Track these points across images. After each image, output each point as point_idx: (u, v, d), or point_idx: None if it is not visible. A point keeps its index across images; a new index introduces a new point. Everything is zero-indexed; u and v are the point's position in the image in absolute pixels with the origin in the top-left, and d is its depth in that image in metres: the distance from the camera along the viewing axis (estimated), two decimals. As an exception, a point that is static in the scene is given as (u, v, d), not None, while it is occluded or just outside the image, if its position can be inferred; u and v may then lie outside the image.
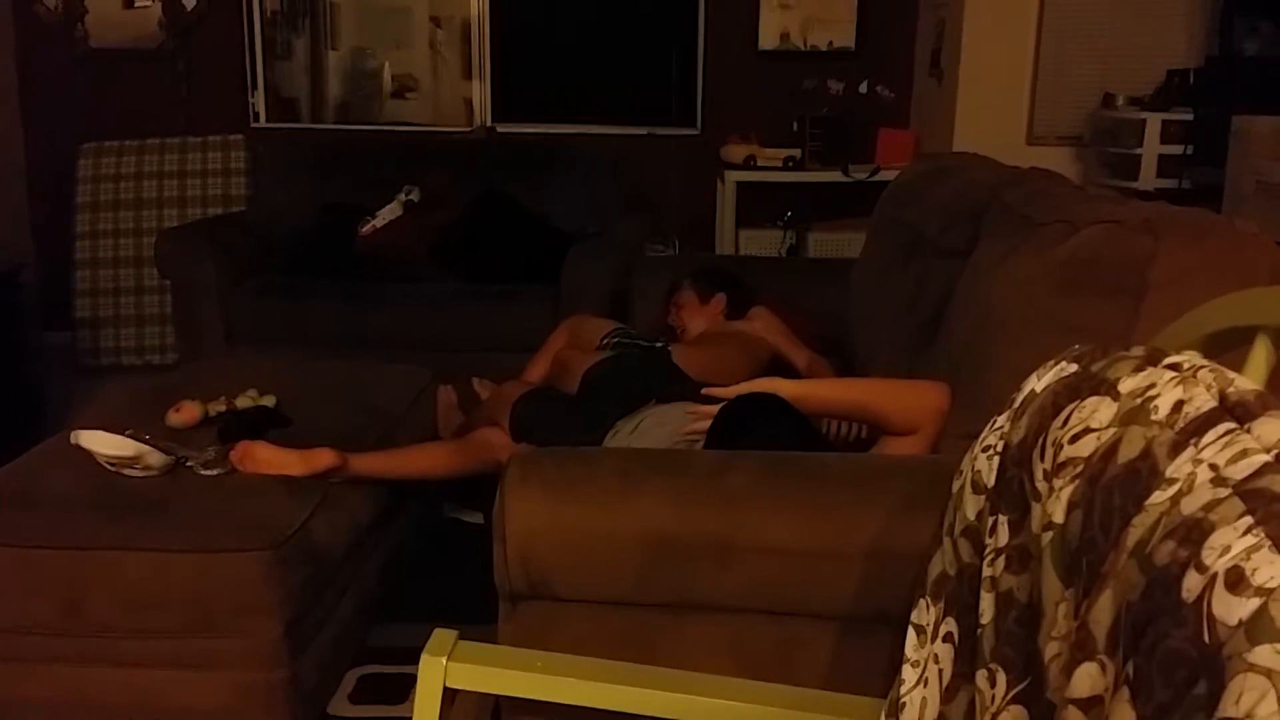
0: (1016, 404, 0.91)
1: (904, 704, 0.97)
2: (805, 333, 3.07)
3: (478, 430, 2.68)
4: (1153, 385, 0.78)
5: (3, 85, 4.85)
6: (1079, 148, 4.41)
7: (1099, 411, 0.80)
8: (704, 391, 2.09)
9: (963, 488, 0.95)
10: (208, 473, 2.11)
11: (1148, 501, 0.70)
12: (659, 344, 2.93)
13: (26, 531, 1.92)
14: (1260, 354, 0.98)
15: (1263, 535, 0.61)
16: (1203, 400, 0.73)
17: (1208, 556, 0.63)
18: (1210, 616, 0.60)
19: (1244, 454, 0.67)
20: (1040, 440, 0.84)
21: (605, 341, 2.97)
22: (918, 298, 2.44)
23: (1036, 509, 0.82)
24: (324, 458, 2.15)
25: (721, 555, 1.46)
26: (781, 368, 2.93)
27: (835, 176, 4.68)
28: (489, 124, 5.04)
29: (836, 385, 2.10)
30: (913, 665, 0.97)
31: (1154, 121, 3.93)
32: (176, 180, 4.65)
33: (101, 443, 2.07)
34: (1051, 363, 0.91)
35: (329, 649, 2.13)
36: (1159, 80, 4.16)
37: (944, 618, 0.95)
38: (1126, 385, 0.80)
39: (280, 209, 4.47)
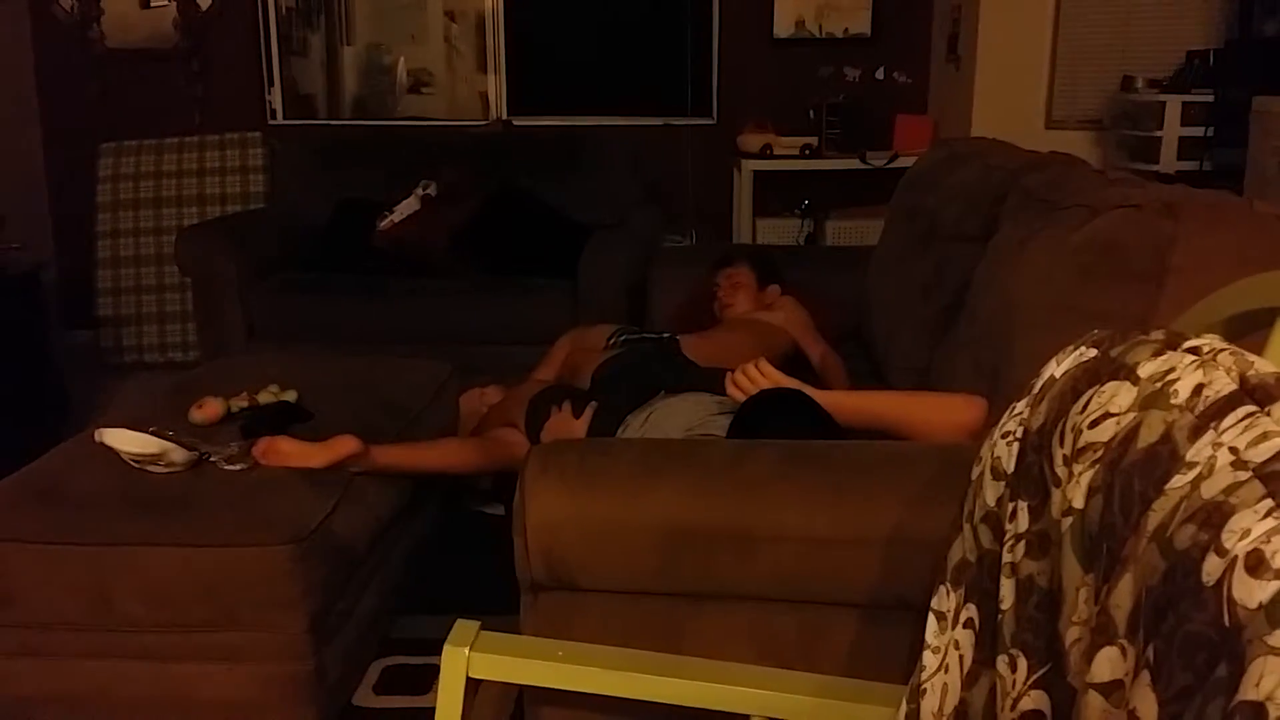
0: (1036, 389, 0.91)
1: (925, 690, 0.97)
2: (828, 324, 3.07)
3: (497, 429, 2.69)
4: (1172, 369, 0.77)
5: (21, 86, 4.89)
6: (1099, 131, 4.39)
7: (1118, 396, 0.79)
8: (734, 375, 2.07)
9: (982, 474, 0.95)
10: (231, 468, 2.13)
11: (1168, 485, 0.70)
12: (666, 335, 2.93)
13: (53, 528, 1.94)
14: (1281, 336, 0.97)
15: (1283, 518, 0.61)
16: (1223, 384, 0.73)
17: (1228, 540, 0.62)
18: (1230, 600, 0.60)
19: (1264, 437, 0.67)
20: (1060, 425, 0.84)
21: (612, 340, 2.97)
22: (937, 284, 2.43)
23: (1056, 494, 0.82)
24: (346, 444, 2.16)
25: (742, 544, 1.46)
26: (802, 359, 2.93)
27: (852, 164, 4.66)
28: (505, 117, 5.05)
29: (864, 396, 2.08)
30: (933, 651, 0.97)
31: (1174, 104, 3.90)
32: (195, 178, 4.68)
33: (126, 440, 2.09)
34: (1071, 348, 0.91)
35: (353, 641, 2.14)
36: (1179, 62, 4.13)
37: (964, 604, 0.95)
38: (1146, 369, 0.79)
39: (298, 205, 4.50)
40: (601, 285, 3.79)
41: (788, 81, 4.95)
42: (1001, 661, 0.85)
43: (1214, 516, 0.64)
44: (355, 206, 4.38)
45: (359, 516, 2.13)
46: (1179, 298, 1.47)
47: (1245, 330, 1.02)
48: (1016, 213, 2.11)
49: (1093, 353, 0.87)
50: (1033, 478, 0.87)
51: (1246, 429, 0.68)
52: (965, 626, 0.94)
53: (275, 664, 1.96)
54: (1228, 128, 3.71)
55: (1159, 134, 3.93)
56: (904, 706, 1.00)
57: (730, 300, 3.11)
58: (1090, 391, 0.82)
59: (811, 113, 4.82)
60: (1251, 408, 0.70)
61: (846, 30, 4.93)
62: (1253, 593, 0.59)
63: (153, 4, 4.88)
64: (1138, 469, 0.73)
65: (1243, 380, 0.73)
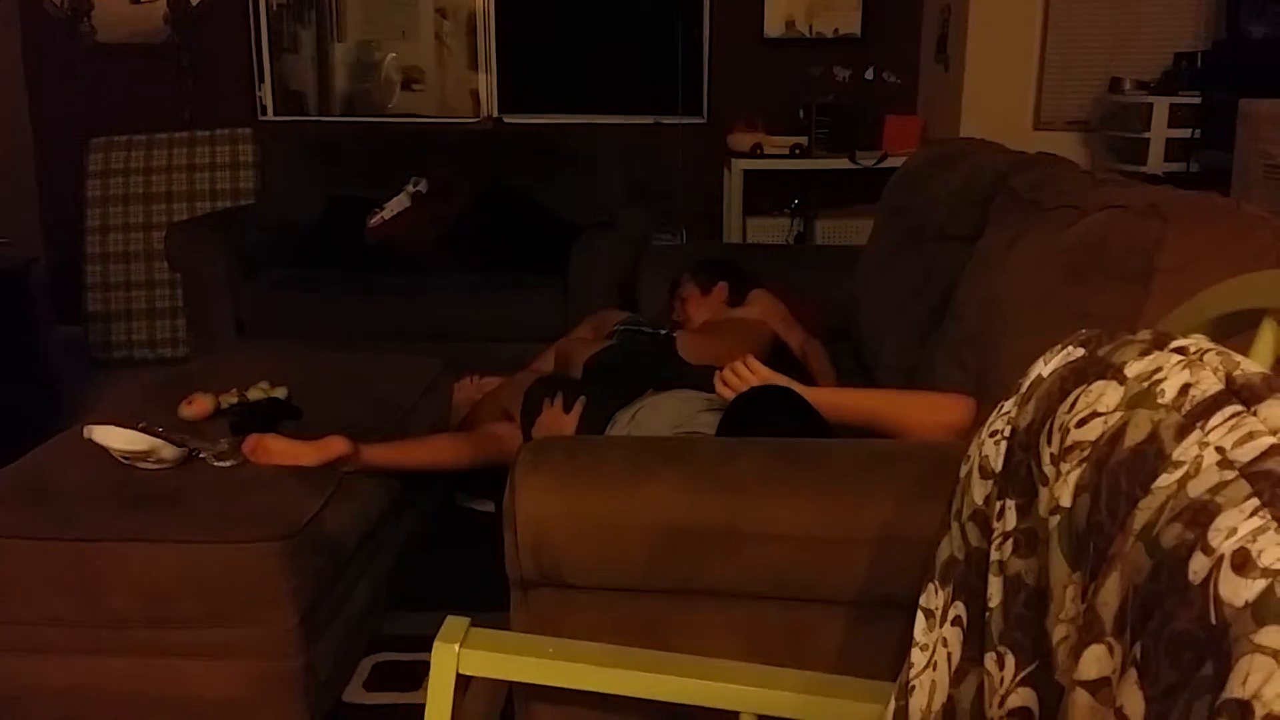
0: (1023, 389, 0.92)
1: (913, 687, 0.97)
2: (805, 315, 3.09)
3: (488, 424, 2.69)
4: (1159, 369, 0.78)
5: (11, 81, 4.86)
6: (1086, 132, 4.40)
7: (1106, 395, 0.80)
8: (723, 373, 2.08)
9: (970, 472, 0.96)
10: (221, 464, 2.13)
11: (1154, 484, 0.71)
12: (663, 331, 2.94)
13: (42, 524, 1.94)
14: (1267, 337, 0.98)
15: (1269, 517, 0.62)
16: (1209, 383, 0.74)
17: (1214, 538, 0.63)
18: (1217, 598, 0.61)
19: (1250, 436, 0.67)
20: (1047, 424, 0.85)
21: (613, 330, 2.99)
22: (925, 284, 2.44)
23: (1044, 493, 0.83)
24: (336, 445, 2.16)
25: (731, 542, 1.47)
26: (785, 351, 2.95)
27: (842, 163, 4.67)
28: (495, 115, 5.05)
29: (852, 394, 2.09)
30: (922, 649, 0.98)
31: (1161, 105, 3.92)
32: (185, 174, 4.67)
33: (115, 437, 2.09)
34: (1058, 347, 0.91)
35: (343, 637, 2.14)
36: (1166, 64, 4.14)
37: (952, 601, 0.95)
38: (1133, 369, 0.80)
39: (289, 202, 4.49)
40: (591, 283, 3.79)
41: (778, 81, 4.95)
42: (989, 659, 0.86)
43: (1200, 515, 0.65)
44: (346, 203, 4.37)
45: (349, 513, 2.14)
46: (1165, 298, 1.48)
47: (1232, 330, 1.03)
48: (1004, 213, 2.11)
49: (1080, 352, 0.88)
50: (1020, 476, 0.87)
51: (1233, 428, 0.69)
52: (953, 624, 0.94)
53: (265, 660, 1.96)
54: (1215, 129, 3.72)
55: (1146, 135, 3.94)
56: (892, 703, 1.01)
57: (686, 317, 3.15)
58: (1078, 391, 0.83)
59: (801, 112, 4.83)
60: (1238, 407, 0.70)
61: (836, 30, 4.94)
62: (1239, 591, 0.60)
63: (142, -1, 4.87)
64: (1124, 468, 0.74)
65: (1229, 380, 0.73)
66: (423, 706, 1.27)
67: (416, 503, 2.62)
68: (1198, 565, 0.63)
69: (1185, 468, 0.69)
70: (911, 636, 1.00)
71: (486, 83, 5.06)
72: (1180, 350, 0.79)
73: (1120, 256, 1.61)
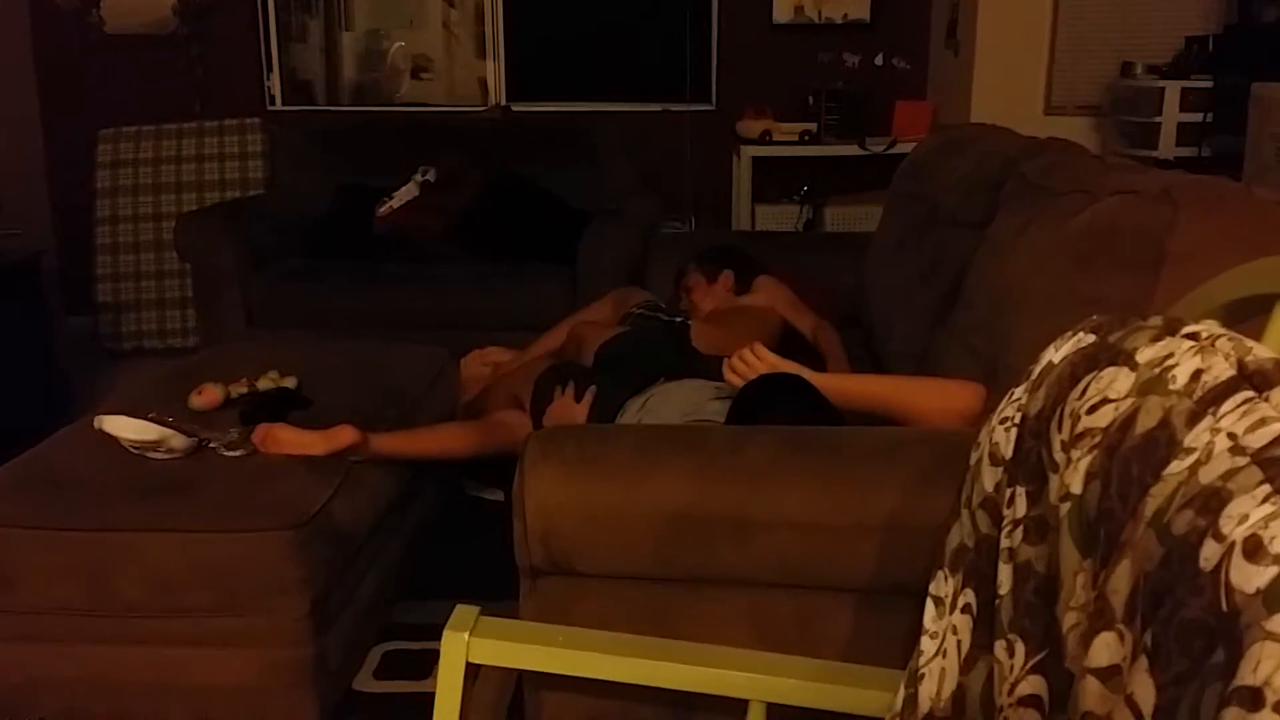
0: (1034, 375, 0.91)
1: (923, 675, 0.97)
2: (814, 300, 3.08)
3: (498, 412, 2.69)
4: (1170, 355, 0.78)
5: (20, 72, 4.87)
6: (1097, 117, 4.38)
7: (1117, 382, 0.79)
8: (731, 361, 2.08)
9: (980, 460, 0.95)
10: (230, 454, 2.13)
11: (1165, 471, 0.70)
12: (678, 319, 2.94)
13: (53, 513, 1.95)
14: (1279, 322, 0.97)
15: (1281, 503, 0.61)
16: (1221, 369, 0.73)
17: (1225, 525, 0.63)
18: (1228, 585, 0.60)
19: (1262, 422, 0.67)
20: (1058, 411, 0.84)
21: (628, 312, 2.98)
22: (935, 270, 2.43)
23: (1054, 480, 0.82)
24: (345, 435, 2.17)
25: (740, 530, 1.47)
26: (795, 336, 2.94)
27: (852, 150, 4.66)
28: (503, 103, 5.04)
29: (862, 380, 2.08)
30: (931, 636, 0.98)
31: (1173, 90, 3.90)
32: (194, 164, 4.68)
33: (125, 427, 2.09)
34: (1069, 333, 0.91)
35: (353, 626, 2.15)
36: (1177, 48, 4.12)
37: (962, 589, 0.95)
38: (1144, 355, 0.80)
39: (297, 191, 4.49)
40: (600, 271, 3.79)
41: (787, 67, 4.94)
42: (999, 646, 0.86)
43: (1212, 502, 0.65)
44: (354, 193, 4.37)
45: (359, 502, 2.14)
46: (1177, 284, 1.47)
47: (1243, 316, 1.02)
48: (1015, 199, 2.11)
49: (1091, 338, 0.87)
50: (1031, 463, 0.87)
51: (1245, 414, 0.68)
52: (963, 611, 0.94)
53: (275, 649, 1.96)
54: (1226, 114, 3.70)
55: (1158, 120, 3.92)
56: (902, 691, 1.00)
57: (693, 307, 3.14)
58: (1088, 377, 0.83)
59: (811, 99, 4.82)
60: (1250, 393, 0.70)
61: (845, 16, 4.92)
62: (1250, 578, 0.59)
63: (150, -11, 4.87)
64: (1136, 454, 0.73)
65: (1241, 366, 0.73)
66: (432, 695, 1.27)
67: (425, 492, 2.62)
68: (1209, 552, 0.63)
69: (1197, 454, 0.69)
70: (921, 624, 0.99)
71: (494, 71, 5.06)
72: (1192, 336, 0.79)
73: (1131, 242, 1.60)
